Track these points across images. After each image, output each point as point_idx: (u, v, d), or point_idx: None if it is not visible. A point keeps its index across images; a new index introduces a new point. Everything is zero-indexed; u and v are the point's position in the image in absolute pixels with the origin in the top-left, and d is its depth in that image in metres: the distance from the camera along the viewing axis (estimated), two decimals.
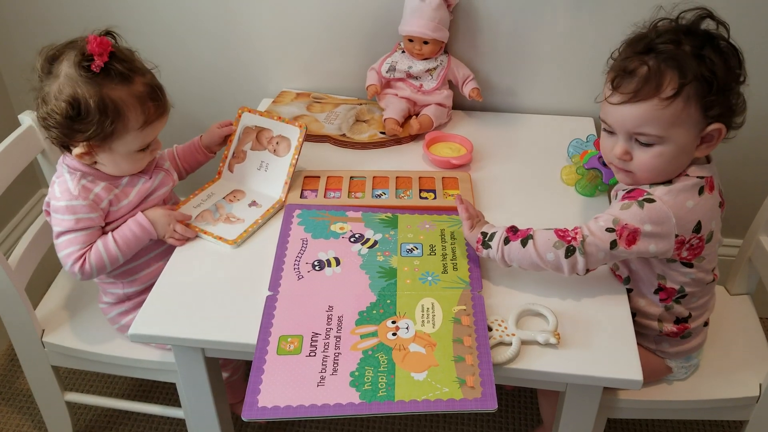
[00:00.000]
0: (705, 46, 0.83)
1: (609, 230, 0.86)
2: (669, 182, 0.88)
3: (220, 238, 1.01)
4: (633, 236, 0.86)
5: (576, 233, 0.88)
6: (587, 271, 0.89)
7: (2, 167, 1.08)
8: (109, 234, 1.00)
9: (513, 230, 0.92)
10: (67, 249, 0.98)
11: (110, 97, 0.91)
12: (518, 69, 1.35)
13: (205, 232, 1.03)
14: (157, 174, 1.05)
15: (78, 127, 0.92)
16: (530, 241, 0.89)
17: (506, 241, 0.90)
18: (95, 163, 0.98)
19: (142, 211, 1.02)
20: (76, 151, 0.95)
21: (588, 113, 1.36)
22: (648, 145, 0.86)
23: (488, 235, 0.92)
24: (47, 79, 0.93)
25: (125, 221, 1.02)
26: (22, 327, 1.12)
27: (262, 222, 1.05)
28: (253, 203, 1.09)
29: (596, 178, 1.10)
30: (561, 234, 0.88)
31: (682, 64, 0.81)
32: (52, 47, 0.93)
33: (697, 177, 0.88)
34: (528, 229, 0.91)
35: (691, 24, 0.85)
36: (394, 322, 0.87)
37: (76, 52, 0.91)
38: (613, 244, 0.86)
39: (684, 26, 0.86)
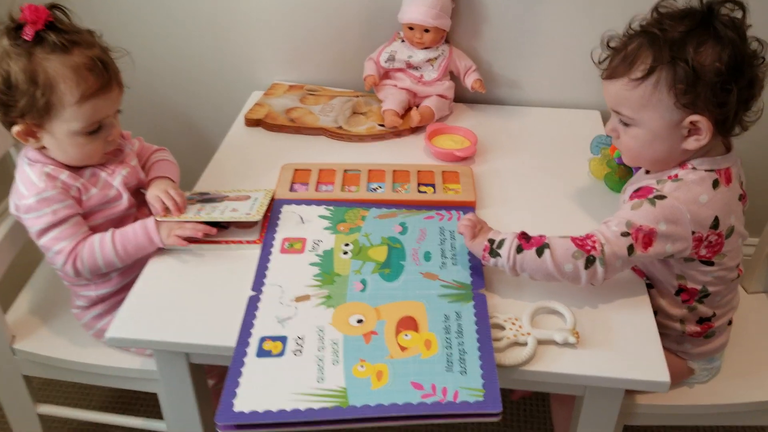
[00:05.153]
0: (695, 33, 0.79)
1: (624, 234, 0.82)
2: (677, 178, 0.84)
3: (241, 220, 0.96)
4: (649, 238, 0.82)
5: (594, 242, 0.82)
6: (602, 280, 0.84)
7: None
8: (110, 231, 0.94)
9: (525, 237, 0.84)
10: (55, 246, 0.92)
11: (42, 67, 0.87)
12: (522, 60, 1.33)
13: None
14: (121, 169, 0.99)
15: (10, 100, 0.89)
16: (547, 251, 0.82)
17: (519, 249, 0.83)
18: (43, 148, 0.94)
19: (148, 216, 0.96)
20: (15, 129, 0.91)
21: (595, 106, 1.34)
22: (627, 125, 0.87)
23: (496, 243, 0.85)
24: None
25: (103, 215, 0.97)
26: None
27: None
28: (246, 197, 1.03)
29: (627, 173, 1.06)
30: (579, 243, 0.82)
31: (658, 48, 0.81)
32: None
33: (706, 170, 0.84)
34: (541, 236, 0.84)
35: (693, 9, 0.82)
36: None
37: (9, 23, 0.88)
38: (630, 250, 0.82)
39: (684, 10, 0.83)
